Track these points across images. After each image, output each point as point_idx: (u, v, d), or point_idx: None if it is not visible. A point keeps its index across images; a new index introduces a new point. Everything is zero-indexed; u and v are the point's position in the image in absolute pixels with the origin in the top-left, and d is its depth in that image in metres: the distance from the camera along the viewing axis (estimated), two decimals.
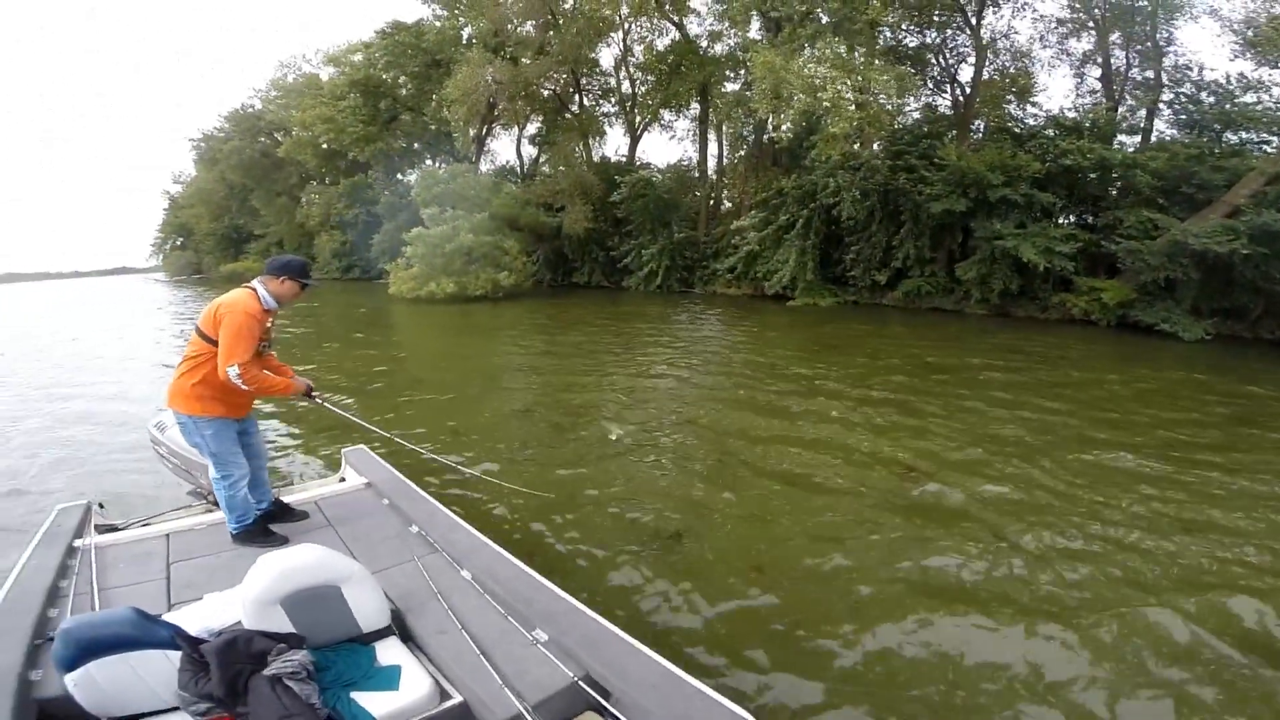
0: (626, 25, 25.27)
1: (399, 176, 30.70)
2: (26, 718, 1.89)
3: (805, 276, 17.41)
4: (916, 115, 19.28)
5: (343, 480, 3.89)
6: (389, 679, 1.99)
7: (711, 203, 24.23)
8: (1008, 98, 18.30)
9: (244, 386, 2.84)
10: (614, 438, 5.11)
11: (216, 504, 3.72)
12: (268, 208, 39.64)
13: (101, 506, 3.59)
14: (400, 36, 27.96)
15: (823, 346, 11.21)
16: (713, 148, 25.03)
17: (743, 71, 19.40)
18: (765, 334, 13.11)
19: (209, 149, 41.86)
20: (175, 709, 1.87)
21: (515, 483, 4.45)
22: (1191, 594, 3.28)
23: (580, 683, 1.87)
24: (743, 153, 23.54)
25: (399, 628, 2.27)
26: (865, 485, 4.73)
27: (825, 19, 16.53)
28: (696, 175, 24.59)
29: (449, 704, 1.92)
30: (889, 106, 16.32)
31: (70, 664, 1.80)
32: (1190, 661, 2.79)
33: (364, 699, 1.90)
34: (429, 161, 28.74)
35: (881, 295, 17.23)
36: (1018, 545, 3.79)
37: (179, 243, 57.46)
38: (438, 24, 28.13)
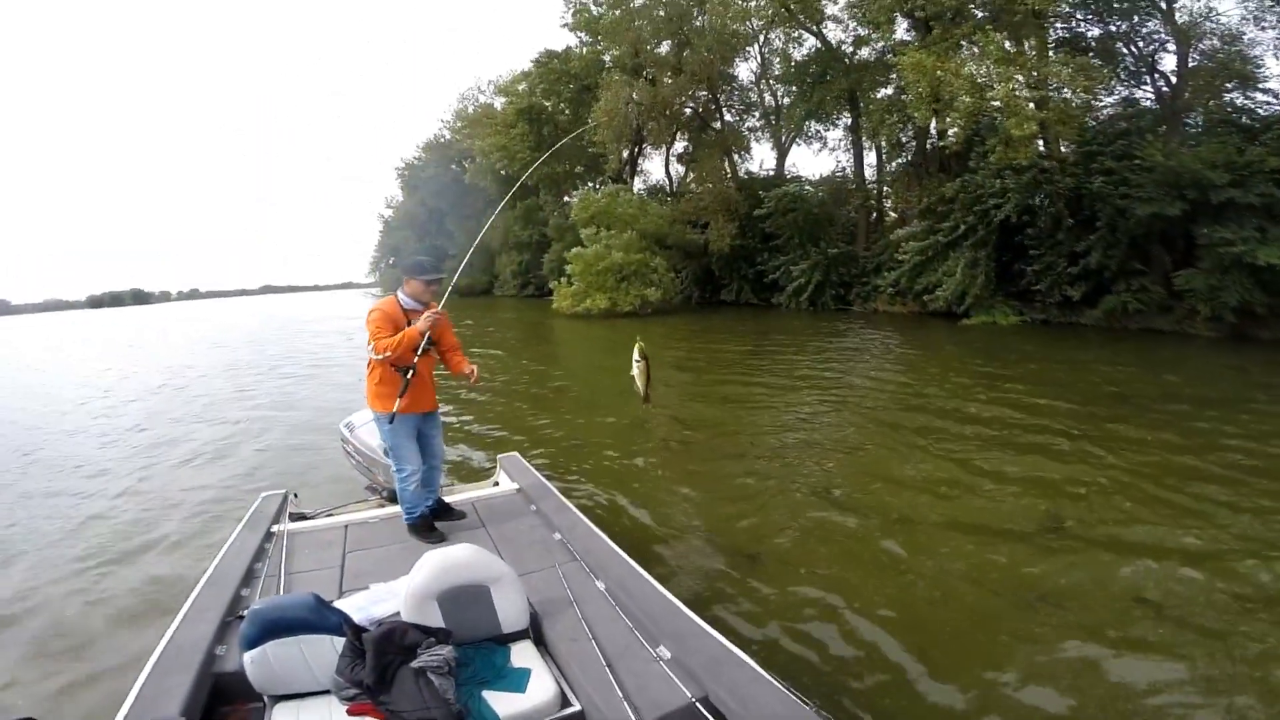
0: (761, 38, 24.84)
1: (565, 199, 33.00)
2: (203, 689, 2.06)
3: (974, 290, 15.67)
4: (1109, 111, 16.64)
5: (496, 484, 4.09)
6: (518, 681, 2.05)
7: (874, 215, 22.86)
8: (1226, 86, 14.96)
9: (377, 356, 3.18)
10: None
11: (389, 500, 4.08)
12: (460, 229, 43.94)
13: (296, 496, 3.97)
14: (552, 65, 30.01)
15: (994, 373, 9.84)
16: (870, 157, 23.62)
17: (894, 75, 18.10)
18: (932, 356, 11.90)
19: (411, 176, 48.16)
20: (326, 692, 2.03)
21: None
22: None
23: (698, 704, 1.84)
24: (902, 160, 21.92)
25: (534, 631, 2.34)
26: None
27: (980, 14, 15.05)
28: (853, 186, 23.35)
29: (567, 711, 1.97)
30: (1076, 102, 14.29)
31: (252, 643, 1.98)
32: None
33: (493, 698, 1.97)
34: (589, 184, 30.57)
35: (1077, 313, 14.96)
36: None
37: (391, 261, 66.40)
38: (582, 50, 29.83)
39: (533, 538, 3.15)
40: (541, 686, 2.03)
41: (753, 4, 23.06)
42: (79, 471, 6.81)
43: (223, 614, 2.45)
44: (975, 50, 14.42)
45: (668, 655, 2.06)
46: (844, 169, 24.87)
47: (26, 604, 3.93)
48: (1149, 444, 5.88)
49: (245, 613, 2.22)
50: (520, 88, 32.47)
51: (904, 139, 21.08)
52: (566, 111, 31.04)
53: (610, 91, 24.24)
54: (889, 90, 20.42)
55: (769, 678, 1.89)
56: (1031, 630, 3.16)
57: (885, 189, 23.03)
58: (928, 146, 19.76)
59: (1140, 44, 16.05)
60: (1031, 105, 13.42)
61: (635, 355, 3.59)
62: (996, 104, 13.34)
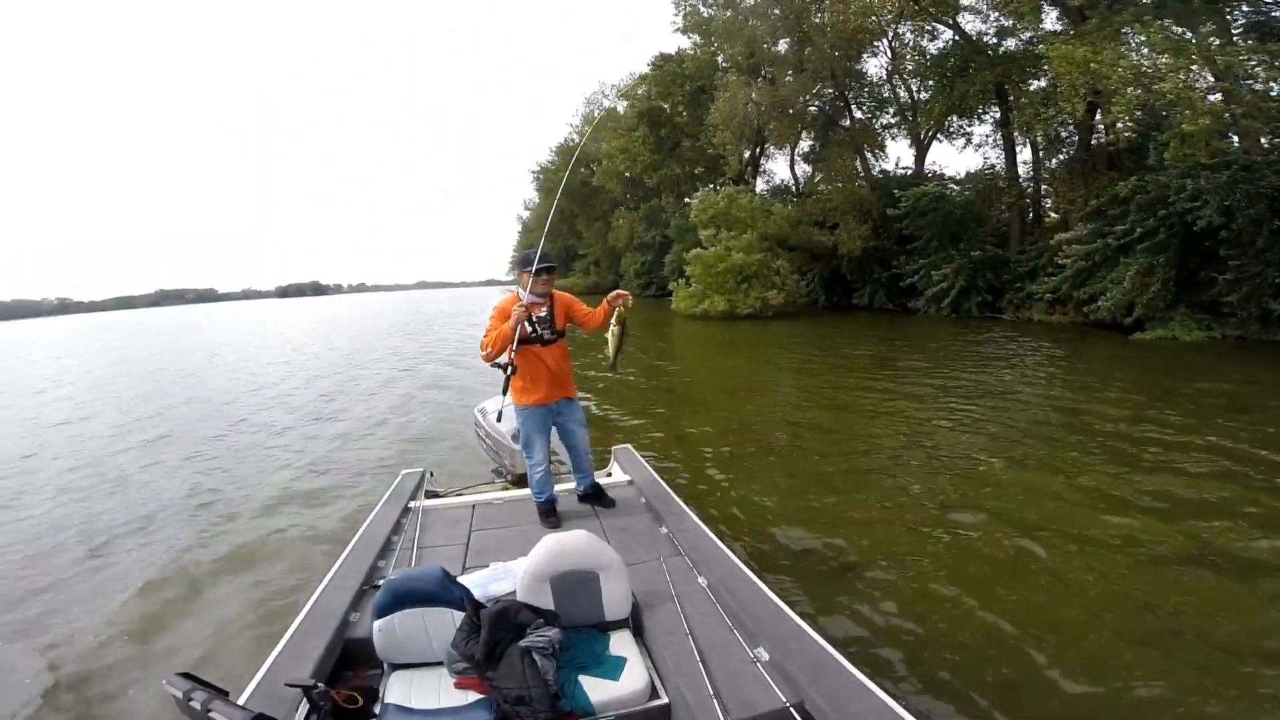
0: (890, 32, 23.03)
1: (686, 200, 33.25)
2: (335, 652, 2.19)
3: (1144, 299, 13.68)
4: None
5: (609, 475, 4.16)
6: (614, 668, 2.09)
7: (1030, 216, 20.63)
8: None
9: (483, 352, 3.32)
10: None
11: (512, 483, 4.39)
12: (588, 230, 45.97)
13: (432, 475, 4.19)
14: (667, 67, 30.07)
15: (1166, 391, 8.40)
16: (1025, 153, 21.25)
17: (1046, 67, 16.32)
18: (1090, 371, 10.51)
19: (545, 179, 50.51)
20: (439, 664, 2.12)
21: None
22: None
23: (792, 709, 1.79)
24: (1063, 156, 19.49)
25: (634, 621, 2.37)
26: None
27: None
28: (1004, 184, 21.16)
29: (655, 703, 2.00)
30: (1275, 93, 12.08)
31: (384, 611, 2.09)
32: None
33: (588, 683, 2.02)
34: (710, 185, 30.53)
35: None
36: None
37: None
38: (696, 52, 29.61)
39: (640, 529, 3.19)
40: (634, 676, 2.06)
41: None
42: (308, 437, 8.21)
43: (360, 582, 2.63)
44: (1140, 39, 12.76)
45: (766, 657, 2.03)
46: (993, 166, 22.64)
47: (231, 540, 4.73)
48: None
49: (381, 582, 2.43)
50: (640, 91, 33.04)
51: (1064, 134, 18.74)
52: (684, 113, 31.11)
53: (727, 93, 23.79)
54: (1042, 82, 18.18)
55: (872, 687, 1.81)
56: (1170, 666, 2.84)
57: (1044, 188, 20.65)
58: (1092, 142, 17.46)
59: None
60: (1217, 97, 11.53)
61: (613, 320, 3.47)
62: (1169, 97, 11.72)
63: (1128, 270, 14.08)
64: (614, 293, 3.46)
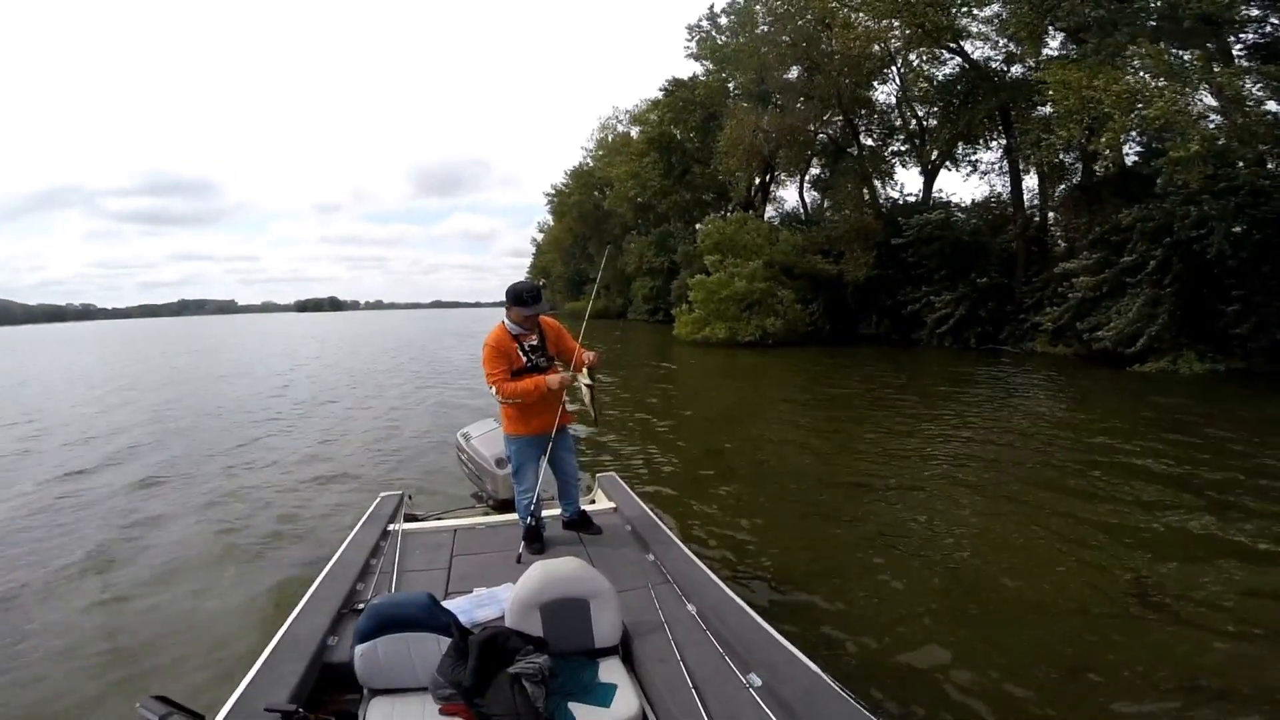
0: (899, 60, 23.27)
1: (696, 226, 33.61)
2: (312, 677, 2.16)
3: (1150, 330, 13.59)
4: None
5: (593, 502, 4.13)
6: (604, 695, 2.09)
7: (1035, 247, 20.60)
8: None
9: (502, 399, 3.27)
10: None
11: (494, 508, 4.41)
12: (599, 254, 45.75)
13: (410, 498, 4.19)
14: (679, 94, 30.53)
15: (1152, 427, 8.35)
16: (1031, 181, 21.32)
17: (1051, 93, 16.82)
18: (1083, 406, 10.40)
19: (559, 202, 50.84)
20: (423, 690, 2.07)
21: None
22: None
23: None
24: (1065, 185, 19.59)
25: (624, 648, 2.37)
26: None
27: (1134, 23, 13.48)
28: (1009, 213, 21.19)
29: None
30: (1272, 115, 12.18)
31: (366, 636, 2.06)
32: None
33: (578, 710, 2.02)
34: (721, 212, 30.77)
35: None
36: None
37: (541, 283, 71.31)
38: (708, 79, 30.11)
39: (626, 557, 3.17)
40: (625, 703, 2.06)
41: (883, 24, 21.51)
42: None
43: (338, 606, 2.59)
44: (1138, 63, 12.87)
45: (758, 683, 2.02)
46: (999, 194, 22.73)
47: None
48: None
49: (361, 606, 2.45)
50: (652, 117, 33.52)
51: (1067, 161, 18.90)
52: (695, 139, 31.50)
53: (735, 120, 24.08)
54: (1047, 109, 18.22)
55: (865, 713, 1.84)
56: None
57: (1051, 216, 20.64)
58: (1096, 169, 17.57)
59: None
60: (1216, 120, 11.67)
61: (583, 380, 3.33)
62: (1158, 121, 11.86)
63: (1134, 301, 14.00)
64: (591, 357, 3.42)
